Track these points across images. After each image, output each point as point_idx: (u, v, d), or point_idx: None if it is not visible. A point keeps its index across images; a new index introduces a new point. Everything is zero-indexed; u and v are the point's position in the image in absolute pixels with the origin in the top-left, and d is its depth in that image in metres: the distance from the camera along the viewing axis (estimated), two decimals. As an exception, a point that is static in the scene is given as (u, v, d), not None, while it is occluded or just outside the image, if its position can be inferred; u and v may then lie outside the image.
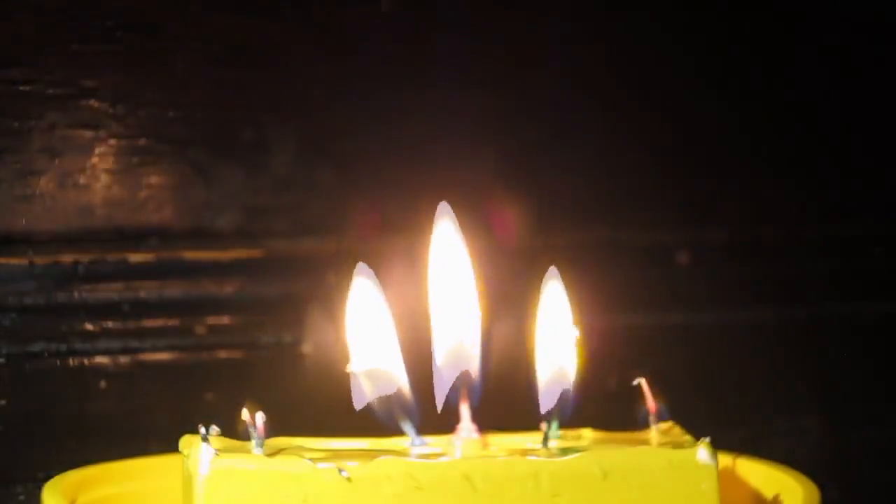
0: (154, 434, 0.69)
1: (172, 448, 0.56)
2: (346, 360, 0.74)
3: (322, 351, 0.73)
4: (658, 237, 0.79)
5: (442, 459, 0.53)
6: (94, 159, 0.70)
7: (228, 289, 0.72)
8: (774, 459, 0.65)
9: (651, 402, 0.55)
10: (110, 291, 0.70)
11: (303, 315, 0.73)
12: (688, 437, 0.56)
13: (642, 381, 0.52)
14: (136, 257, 0.71)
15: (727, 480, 0.57)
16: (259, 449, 0.53)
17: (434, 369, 0.55)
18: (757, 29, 0.81)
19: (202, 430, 0.52)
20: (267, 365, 0.72)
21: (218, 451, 0.52)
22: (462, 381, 0.56)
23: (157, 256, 0.71)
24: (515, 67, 0.77)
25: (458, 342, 0.56)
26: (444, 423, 0.58)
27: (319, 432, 0.57)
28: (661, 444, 0.55)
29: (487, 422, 0.57)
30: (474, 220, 0.77)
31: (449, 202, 0.76)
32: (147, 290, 0.71)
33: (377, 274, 0.55)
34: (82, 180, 0.70)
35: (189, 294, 0.71)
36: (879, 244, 0.84)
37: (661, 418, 0.55)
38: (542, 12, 0.77)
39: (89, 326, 0.70)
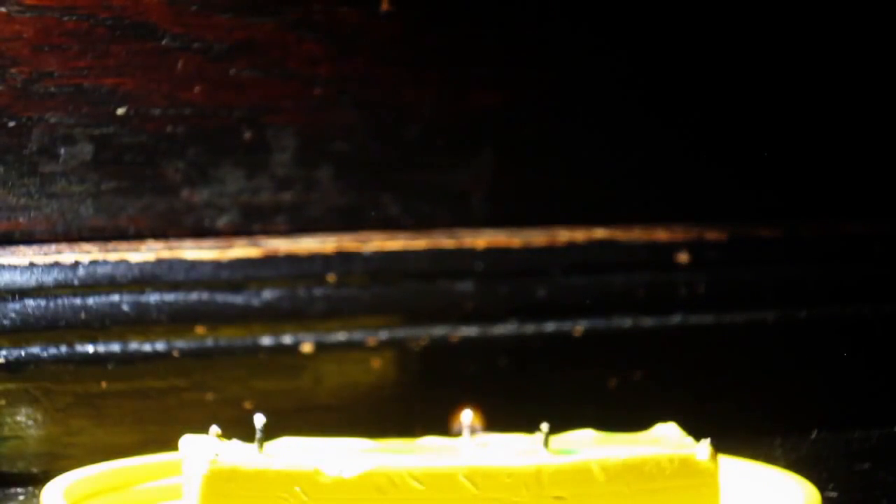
0: (154, 434, 0.69)
1: (172, 448, 0.56)
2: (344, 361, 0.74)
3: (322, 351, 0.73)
4: (658, 237, 0.79)
5: (443, 460, 0.53)
6: (95, 159, 0.70)
7: (228, 289, 0.72)
8: (774, 460, 0.65)
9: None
10: (110, 291, 0.70)
11: (303, 315, 0.73)
12: (688, 439, 0.56)
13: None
14: (136, 257, 0.70)
15: (728, 482, 0.57)
16: (259, 449, 0.53)
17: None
18: (756, 29, 0.81)
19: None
20: (267, 365, 0.72)
21: (218, 451, 0.52)
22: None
23: (157, 256, 0.71)
24: (515, 67, 0.77)
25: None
26: (446, 425, 0.58)
27: (319, 432, 0.57)
28: (662, 446, 0.55)
29: (489, 424, 0.57)
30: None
31: (448, 201, 0.77)
32: (147, 291, 0.70)
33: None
34: (82, 180, 0.70)
35: (189, 294, 0.71)
36: (879, 244, 0.84)
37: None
38: (541, 11, 0.77)
39: (89, 326, 0.69)
